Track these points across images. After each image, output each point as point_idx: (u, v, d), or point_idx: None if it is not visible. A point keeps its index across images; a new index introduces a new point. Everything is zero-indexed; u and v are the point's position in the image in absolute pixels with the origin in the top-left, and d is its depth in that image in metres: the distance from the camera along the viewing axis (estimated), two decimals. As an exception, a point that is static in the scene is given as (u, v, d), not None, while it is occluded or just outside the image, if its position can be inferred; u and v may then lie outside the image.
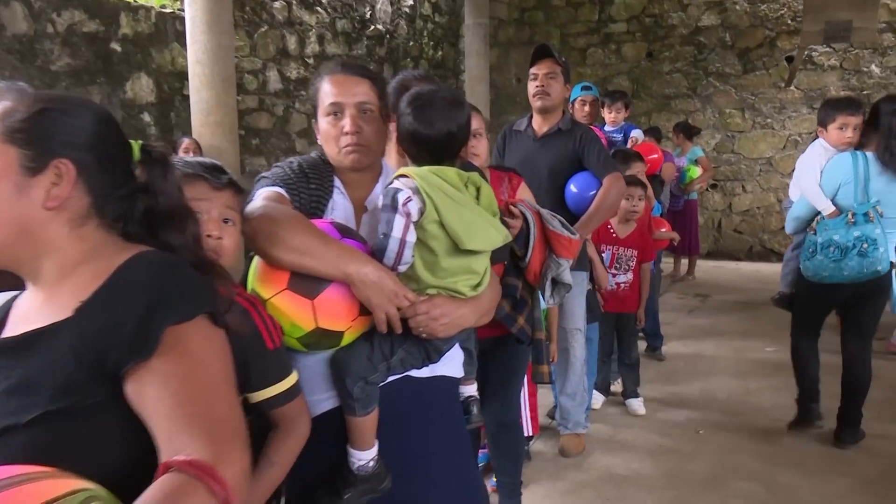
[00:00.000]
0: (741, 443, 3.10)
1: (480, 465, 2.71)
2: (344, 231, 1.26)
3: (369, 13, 7.19)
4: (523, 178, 2.43)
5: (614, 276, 3.44)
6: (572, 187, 2.75)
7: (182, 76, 4.80)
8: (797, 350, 3.22)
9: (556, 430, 3.09)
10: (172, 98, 5.11)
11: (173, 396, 0.78)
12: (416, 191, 1.20)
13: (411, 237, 1.21)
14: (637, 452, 3.02)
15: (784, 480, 2.74)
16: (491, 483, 2.52)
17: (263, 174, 1.42)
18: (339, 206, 1.42)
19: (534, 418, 2.88)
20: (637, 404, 3.49)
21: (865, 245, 2.77)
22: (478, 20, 7.67)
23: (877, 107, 2.89)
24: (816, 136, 3.14)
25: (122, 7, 4.73)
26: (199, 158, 1.19)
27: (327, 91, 1.40)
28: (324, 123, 1.41)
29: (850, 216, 2.81)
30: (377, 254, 1.22)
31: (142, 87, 4.89)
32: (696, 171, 6.33)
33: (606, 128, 4.41)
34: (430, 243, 1.23)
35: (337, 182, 1.44)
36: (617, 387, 3.72)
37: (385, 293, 1.18)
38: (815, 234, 2.93)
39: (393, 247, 1.20)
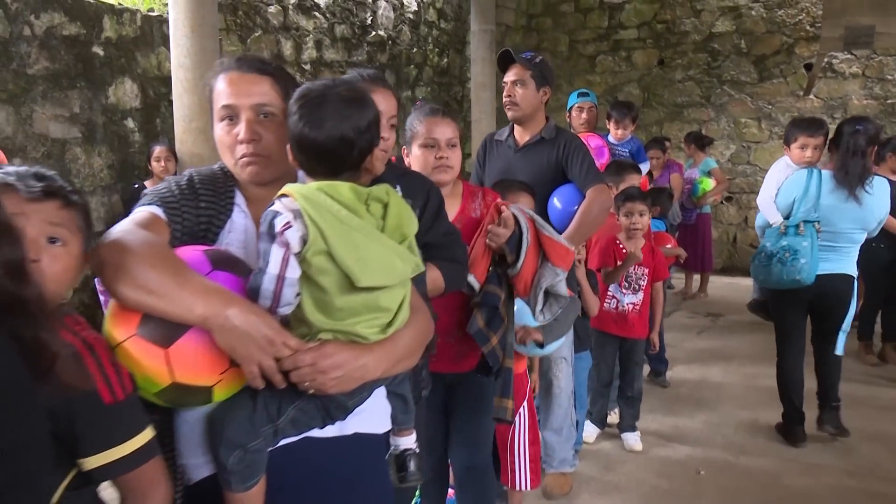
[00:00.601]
0: (745, 486, 2.80)
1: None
2: (218, 262, 1.02)
3: (370, 19, 7.00)
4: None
5: (624, 295, 3.16)
6: (556, 202, 2.49)
7: (169, 81, 4.62)
8: (780, 367, 3.25)
9: (540, 468, 2.81)
10: (158, 103, 4.95)
11: None
12: (298, 214, 0.96)
13: (292, 272, 0.96)
14: (629, 494, 2.74)
15: (792, 533, 2.45)
16: None
17: (146, 191, 1.19)
18: (238, 227, 1.19)
19: (534, 470, 2.39)
20: (633, 439, 3.19)
21: (787, 254, 2.96)
22: (484, 27, 7.50)
23: (840, 127, 3.04)
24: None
25: (105, 10, 4.57)
26: (20, 167, 0.96)
27: (221, 91, 1.17)
28: (218, 130, 1.18)
29: (781, 227, 3.02)
30: (251, 293, 0.98)
31: (125, 93, 4.72)
32: (710, 184, 6.05)
33: (611, 139, 4.16)
34: (318, 279, 0.98)
35: (239, 198, 1.22)
36: (613, 417, 3.42)
37: (255, 341, 0.94)
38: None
39: (268, 285, 0.96)
